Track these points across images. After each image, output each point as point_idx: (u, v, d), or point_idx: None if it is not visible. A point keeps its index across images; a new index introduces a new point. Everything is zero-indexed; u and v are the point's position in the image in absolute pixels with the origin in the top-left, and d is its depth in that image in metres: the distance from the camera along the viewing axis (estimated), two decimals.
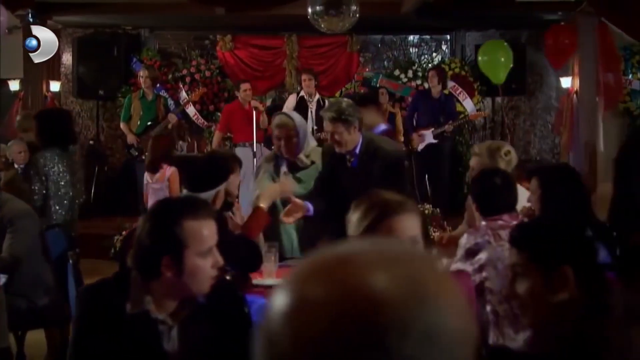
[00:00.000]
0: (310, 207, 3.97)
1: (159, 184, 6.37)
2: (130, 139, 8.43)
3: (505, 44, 8.80)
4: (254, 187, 3.99)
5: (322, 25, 6.81)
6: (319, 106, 7.96)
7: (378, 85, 9.43)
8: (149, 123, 8.38)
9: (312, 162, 4.23)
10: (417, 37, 10.44)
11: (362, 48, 10.21)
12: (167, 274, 1.98)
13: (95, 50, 9.38)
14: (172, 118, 8.45)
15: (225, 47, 9.95)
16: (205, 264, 2.01)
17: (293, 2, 8.02)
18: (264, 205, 3.61)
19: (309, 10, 6.69)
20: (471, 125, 9.59)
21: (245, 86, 8.49)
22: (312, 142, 4.38)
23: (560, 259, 1.88)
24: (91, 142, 9.75)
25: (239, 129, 8.22)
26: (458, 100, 9.20)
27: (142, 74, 8.53)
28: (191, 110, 9.43)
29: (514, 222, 3.03)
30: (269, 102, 9.78)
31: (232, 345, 2.09)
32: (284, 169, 4.21)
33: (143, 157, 7.81)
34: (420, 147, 8.59)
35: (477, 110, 9.26)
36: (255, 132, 7.81)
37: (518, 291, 1.91)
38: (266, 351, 0.75)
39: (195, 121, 9.59)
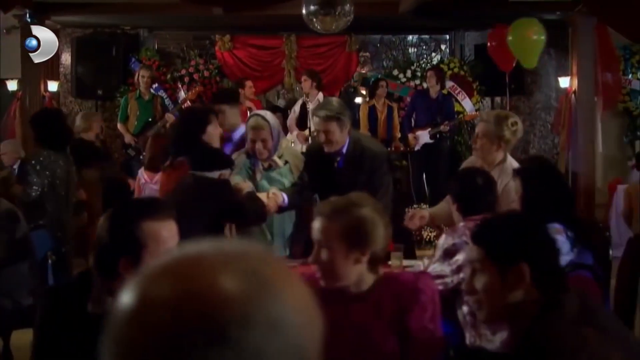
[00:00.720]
0: (286, 197, 3.98)
1: (158, 185, 6.32)
2: (128, 139, 8.43)
3: (539, 22, 7.90)
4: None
5: (317, 25, 6.78)
6: None
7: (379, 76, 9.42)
8: (146, 123, 8.38)
9: (286, 162, 4.24)
10: (416, 37, 10.44)
11: (361, 48, 10.21)
12: (125, 275, 1.97)
13: (94, 50, 9.37)
14: (170, 118, 8.43)
15: (224, 47, 9.94)
16: None
17: (290, 1, 8.00)
18: None
19: (303, 10, 6.67)
20: (470, 125, 9.55)
21: (249, 83, 8.58)
22: (283, 142, 4.38)
23: (517, 256, 1.86)
24: None
25: None
26: (457, 100, 9.17)
27: (144, 74, 8.53)
28: None
29: None
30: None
31: None
32: (259, 168, 4.21)
33: (141, 157, 7.81)
34: (417, 147, 8.57)
35: (476, 110, 9.22)
36: None
37: (476, 287, 1.90)
38: (111, 351, 0.75)
39: None
